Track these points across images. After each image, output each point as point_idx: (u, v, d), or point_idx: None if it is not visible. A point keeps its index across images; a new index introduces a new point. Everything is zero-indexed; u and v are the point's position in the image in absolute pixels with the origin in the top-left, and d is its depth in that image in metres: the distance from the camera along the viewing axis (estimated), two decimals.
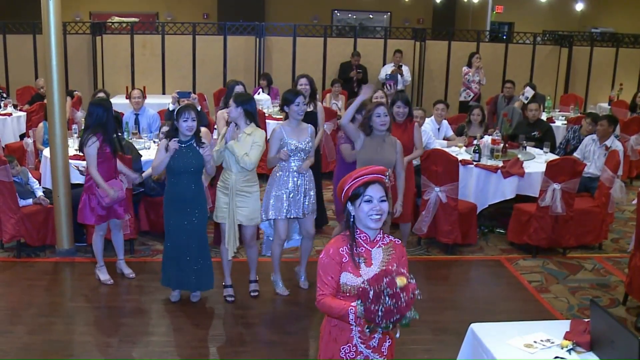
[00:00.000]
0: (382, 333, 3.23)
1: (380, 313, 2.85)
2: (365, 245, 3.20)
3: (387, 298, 2.83)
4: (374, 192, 3.14)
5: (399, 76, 12.41)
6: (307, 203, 5.86)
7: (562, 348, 3.58)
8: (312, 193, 5.91)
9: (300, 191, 5.79)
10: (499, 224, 7.96)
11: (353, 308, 3.00)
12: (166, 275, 5.82)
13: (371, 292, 2.88)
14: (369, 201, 3.13)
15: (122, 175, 6.19)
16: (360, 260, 3.14)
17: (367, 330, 2.99)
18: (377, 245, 3.22)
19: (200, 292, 5.94)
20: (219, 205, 5.73)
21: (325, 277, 3.16)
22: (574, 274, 6.81)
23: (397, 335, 2.99)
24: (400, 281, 2.86)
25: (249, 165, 5.53)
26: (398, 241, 3.30)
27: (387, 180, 3.22)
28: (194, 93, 9.43)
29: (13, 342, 5.15)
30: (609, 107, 12.02)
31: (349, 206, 3.20)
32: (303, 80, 7.04)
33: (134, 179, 6.37)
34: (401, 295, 2.83)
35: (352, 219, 3.20)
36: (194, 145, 5.56)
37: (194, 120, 5.49)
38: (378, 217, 3.13)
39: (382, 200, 3.15)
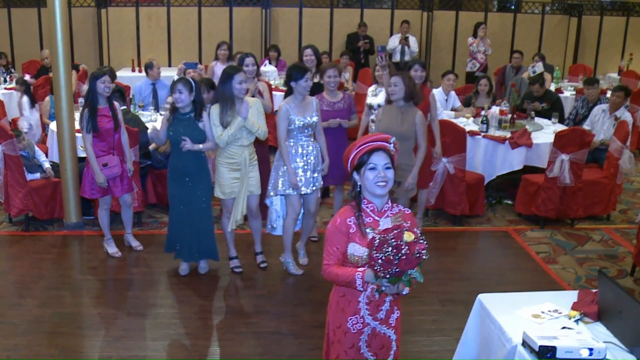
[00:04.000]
0: (390, 304, 3.24)
1: (380, 261, 2.86)
2: (373, 216, 3.18)
3: (390, 248, 2.85)
4: (378, 159, 3.12)
5: (387, 47, 12.40)
6: (314, 178, 5.80)
7: (569, 318, 3.57)
8: (319, 169, 5.84)
9: (309, 167, 5.76)
10: (506, 195, 7.93)
11: (360, 273, 3.01)
12: (170, 242, 5.87)
13: (377, 240, 2.91)
14: (373, 169, 3.12)
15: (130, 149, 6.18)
16: (368, 231, 3.12)
17: (377, 293, 3.01)
18: (385, 215, 3.20)
19: (207, 264, 5.97)
20: (227, 183, 5.65)
21: (330, 248, 3.17)
22: (582, 245, 6.80)
23: (405, 291, 2.98)
24: (408, 236, 2.88)
25: (264, 135, 5.66)
26: (408, 211, 3.27)
27: (391, 148, 3.19)
28: (201, 64, 9.41)
29: (23, 314, 5.20)
30: (619, 77, 11.90)
31: (355, 175, 3.19)
32: (308, 51, 7.11)
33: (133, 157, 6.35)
34: (403, 248, 2.84)
35: (358, 188, 3.19)
36: (194, 118, 5.55)
37: (182, 93, 5.42)
38: (383, 183, 3.11)
39: (387, 168, 3.13)
